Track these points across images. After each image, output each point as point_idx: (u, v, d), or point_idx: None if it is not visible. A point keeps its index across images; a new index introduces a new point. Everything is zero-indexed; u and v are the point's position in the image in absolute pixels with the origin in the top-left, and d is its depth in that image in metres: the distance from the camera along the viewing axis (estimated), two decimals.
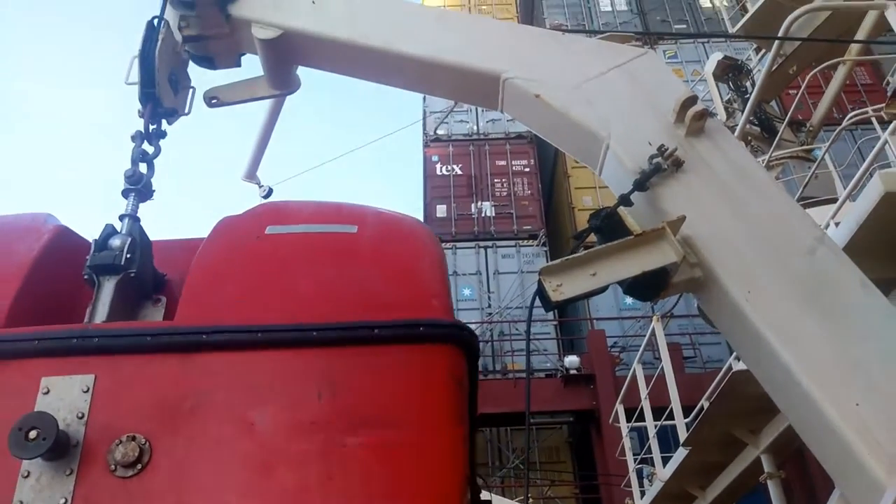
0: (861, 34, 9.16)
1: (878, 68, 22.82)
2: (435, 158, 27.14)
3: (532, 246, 24.35)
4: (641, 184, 3.65)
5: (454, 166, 26.72)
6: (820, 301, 3.32)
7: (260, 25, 4.29)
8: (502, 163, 26.67)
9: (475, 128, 27.89)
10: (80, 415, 2.64)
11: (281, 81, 4.73)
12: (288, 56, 4.51)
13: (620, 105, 4.04)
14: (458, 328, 2.98)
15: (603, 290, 3.49)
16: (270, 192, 4.99)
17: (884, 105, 8.68)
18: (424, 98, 28.03)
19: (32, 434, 2.46)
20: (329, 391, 2.71)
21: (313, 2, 4.40)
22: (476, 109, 27.51)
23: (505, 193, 25.90)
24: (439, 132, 27.82)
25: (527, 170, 26.56)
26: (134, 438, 2.61)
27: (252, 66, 4.69)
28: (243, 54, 4.63)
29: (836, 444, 3.02)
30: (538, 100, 4.05)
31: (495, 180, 26.21)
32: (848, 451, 2.95)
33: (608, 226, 3.68)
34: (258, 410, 2.71)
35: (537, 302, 3.53)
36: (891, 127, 6.22)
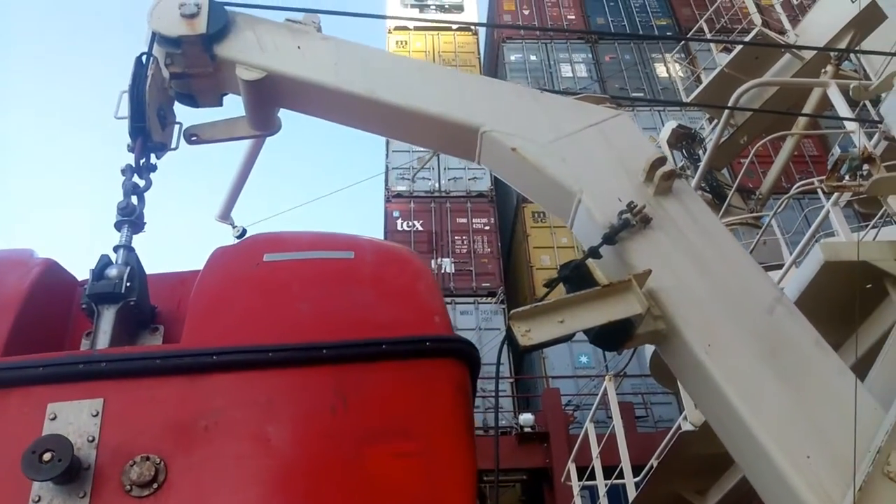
0: (807, 108, 9.73)
1: (825, 141, 24.16)
2: (396, 214, 27.40)
3: (490, 303, 24.50)
4: (610, 237, 3.81)
5: (415, 222, 27.00)
6: (777, 357, 3.48)
7: (245, 67, 4.37)
8: (463, 220, 27.08)
9: (437, 185, 28.31)
10: (90, 438, 2.67)
11: (262, 123, 4.80)
12: (270, 98, 4.59)
13: (593, 162, 4.22)
14: (462, 342, 3.15)
15: (569, 337, 3.59)
16: (244, 232, 4.99)
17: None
18: (387, 154, 28.43)
19: (47, 456, 2.47)
20: (342, 405, 2.80)
21: (299, 47, 4.51)
22: (438, 167, 27.97)
23: (465, 250, 26.21)
24: (401, 188, 28.15)
25: (486, 228, 26.99)
26: (148, 458, 2.65)
27: (233, 106, 4.76)
28: (226, 94, 4.70)
29: (789, 496, 3.15)
30: (514, 153, 4.20)
31: (455, 237, 26.55)
32: (799, 501, 3.10)
33: (577, 276, 3.80)
34: (273, 427, 2.77)
35: (504, 359, 3.56)
36: (833, 198, 6.59)
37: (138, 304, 3.32)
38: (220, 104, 4.75)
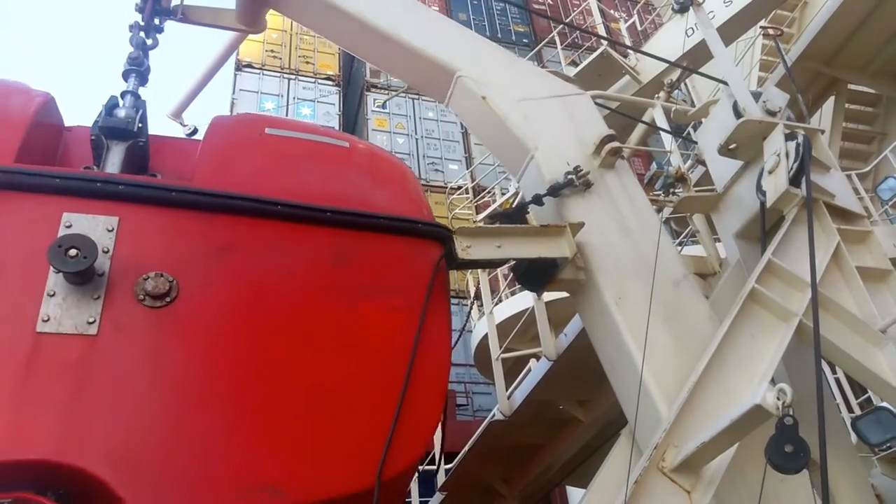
0: (638, 129, 10.41)
1: (653, 159, 26.25)
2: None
3: None
4: (555, 191, 4.34)
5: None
6: (672, 323, 4.06)
7: None
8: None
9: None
10: (105, 249, 2.85)
11: (249, 18, 4.98)
12: None
13: (552, 127, 4.71)
14: (447, 231, 3.69)
15: (503, 262, 4.05)
16: (195, 131, 5.14)
17: None
18: None
19: (72, 252, 2.65)
20: (341, 262, 3.21)
21: None
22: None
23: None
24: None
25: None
26: (162, 275, 2.88)
27: None
28: None
29: (649, 405, 3.73)
30: (483, 102, 4.62)
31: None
32: (654, 406, 3.70)
33: (519, 216, 4.33)
34: (278, 270, 3.10)
35: None
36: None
37: (145, 146, 3.45)
38: None
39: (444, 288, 3.52)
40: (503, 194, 11.49)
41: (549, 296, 7.64)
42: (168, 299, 2.85)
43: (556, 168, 4.44)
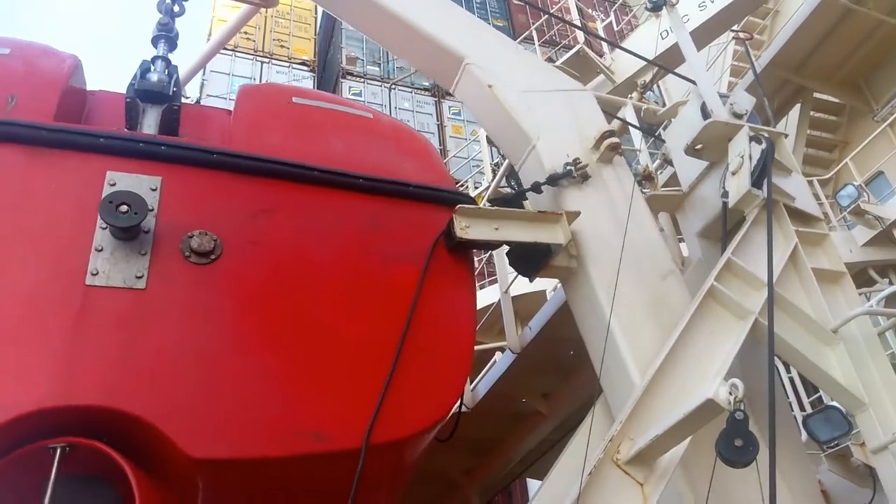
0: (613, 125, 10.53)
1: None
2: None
3: None
4: (554, 180, 4.45)
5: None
6: (660, 313, 4.18)
7: None
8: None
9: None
10: (150, 208, 2.92)
11: None
12: None
13: (555, 119, 4.82)
14: (471, 200, 3.90)
15: (499, 244, 4.11)
16: (198, 102, 5.13)
17: None
18: None
19: (123, 208, 2.74)
20: (374, 228, 3.39)
21: None
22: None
23: None
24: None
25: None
26: (206, 234, 3.00)
27: None
28: None
29: (625, 377, 3.88)
30: (490, 90, 4.71)
31: None
32: (627, 373, 3.86)
33: (517, 201, 4.47)
34: (317, 232, 3.26)
35: None
36: None
37: (178, 111, 3.49)
38: None
39: (468, 263, 3.77)
40: (476, 188, 11.52)
41: (515, 290, 7.69)
42: (213, 257, 2.98)
43: (556, 159, 4.56)
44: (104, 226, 2.81)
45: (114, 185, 2.94)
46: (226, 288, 2.97)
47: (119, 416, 2.60)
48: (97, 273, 2.78)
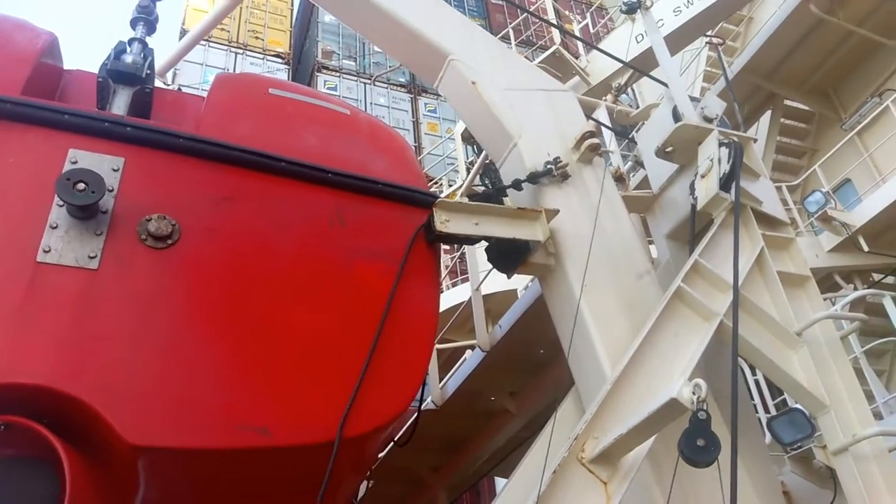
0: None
1: None
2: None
3: None
4: (534, 178, 4.46)
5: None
6: (634, 311, 4.22)
7: None
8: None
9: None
10: (109, 188, 2.87)
11: None
12: None
13: (536, 118, 4.84)
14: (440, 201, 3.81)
15: (478, 239, 4.09)
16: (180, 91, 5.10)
17: None
18: None
19: (80, 186, 2.68)
20: (339, 222, 3.34)
21: None
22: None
23: None
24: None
25: None
26: (165, 218, 2.94)
27: None
28: None
29: (599, 375, 3.90)
30: (473, 87, 4.72)
31: None
32: (601, 371, 3.89)
33: (496, 199, 4.45)
34: (279, 224, 3.19)
35: None
36: None
37: (150, 94, 3.42)
38: None
39: (435, 259, 3.74)
40: (451, 185, 11.51)
41: (487, 288, 7.69)
42: (170, 241, 2.92)
43: (536, 157, 4.58)
44: (61, 203, 2.75)
45: (75, 162, 2.88)
46: (181, 274, 2.92)
47: (60, 398, 2.53)
48: (49, 250, 2.72)
